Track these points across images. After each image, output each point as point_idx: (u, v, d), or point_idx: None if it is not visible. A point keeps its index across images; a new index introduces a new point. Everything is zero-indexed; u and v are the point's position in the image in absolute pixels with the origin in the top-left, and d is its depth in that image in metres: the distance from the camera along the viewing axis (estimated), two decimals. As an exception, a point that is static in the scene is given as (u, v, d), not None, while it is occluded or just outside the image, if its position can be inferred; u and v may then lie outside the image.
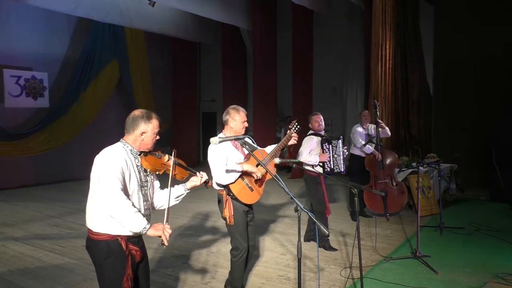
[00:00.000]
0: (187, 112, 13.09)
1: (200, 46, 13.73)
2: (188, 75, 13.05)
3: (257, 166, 3.43)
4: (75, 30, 10.46)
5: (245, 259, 3.52)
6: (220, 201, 3.49)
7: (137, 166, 2.43)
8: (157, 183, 2.65)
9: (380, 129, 6.15)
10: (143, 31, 11.27)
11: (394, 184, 6.36)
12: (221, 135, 3.47)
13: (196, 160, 13.34)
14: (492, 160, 7.38)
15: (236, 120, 3.41)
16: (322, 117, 4.99)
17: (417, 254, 4.52)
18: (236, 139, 3.01)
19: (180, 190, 2.65)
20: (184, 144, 12.91)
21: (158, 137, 2.49)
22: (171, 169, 2.50)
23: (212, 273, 4.29)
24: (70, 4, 8.48)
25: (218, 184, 3.40)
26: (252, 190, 3.45)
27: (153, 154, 2.51)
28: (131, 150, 2.43)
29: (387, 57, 8.04)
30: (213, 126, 14.07)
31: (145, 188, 2.48)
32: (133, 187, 2.40)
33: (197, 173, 2.65)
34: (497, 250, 4.89)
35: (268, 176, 3.52)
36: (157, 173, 2.52)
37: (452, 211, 6.90)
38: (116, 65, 11.34)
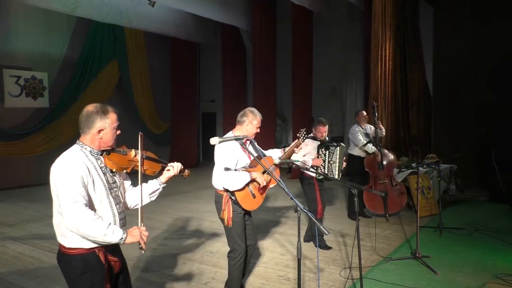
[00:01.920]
0: (186, 112, 13.10)
1: (200, 46, 13.74)
2: (188, 75, 13.05)
3: (263, 173, 3.41)
4: (75, 30, 10.46)
5: (243, 261, 3.49)
6: (218, 202, 3.44)
7: (100, 168, 2.17)
8: (127, 182, 2.44)
9: (378, 130, 6.19)
10: (143, 31, 11.29)
11: (394, 184, 6.36)
12: (230, 134, 3.46)
13: (195, 160, 13.34)
14: (492, 161, 7.39)
15: (253, 124, 3.42)
16: (327, 128, 5.01)
17: (417, 255, 4.52)
18: (236, 139, 2.99)
19: (154, 185, 2.42)
20: (184, 145, 12.94)
21: (119, 132, 2.24)
22: (139, 165, 2.26)
23: (212, 274, 4.29)
24: (70, 4, 8.49)
25: (223, 188, 3.36)
26: (254, 197, 3.42)
27: (117, 151, 2.25)
28: (90, 152, 2.16)
29: (387, 58, 8.05)
30: (213, 126, 14.07)
31: (115, 190, 2.24)
32: (100, 192, 2.15)
33: (168, 164, 2.43)
34: (496, 250, 4.89)
35: (272, 183, 3.52)
36: (125, 171, 2.28)
37: (452, 211, 6.90)
38: (115, 65, 11.36)
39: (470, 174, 8.34)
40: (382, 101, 7.94)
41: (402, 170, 6.96)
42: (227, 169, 3.27)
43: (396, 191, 6.33)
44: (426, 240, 5.24)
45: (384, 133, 6.42)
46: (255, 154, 2.90)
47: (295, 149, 3.77)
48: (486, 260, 4.57)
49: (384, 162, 6.28)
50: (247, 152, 3.41)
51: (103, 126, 2.16)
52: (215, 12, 10.18)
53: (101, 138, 2.18)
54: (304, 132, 3.83)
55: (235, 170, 3.32)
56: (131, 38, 11.62)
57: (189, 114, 13.24)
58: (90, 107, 2.18)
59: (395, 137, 8.34)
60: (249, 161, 3.43)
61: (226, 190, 3.34)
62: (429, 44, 9.42)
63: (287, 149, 3.78)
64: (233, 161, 3.30)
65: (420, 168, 6.36)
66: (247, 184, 3.33)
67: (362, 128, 6.43)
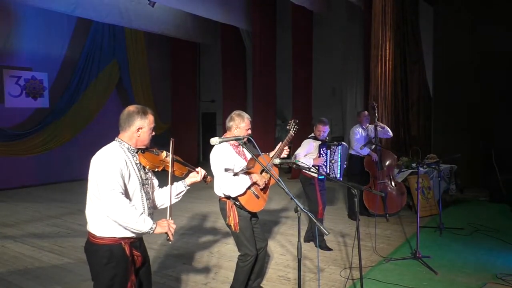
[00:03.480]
0: (186, 113, 13.09)
1: (200, 46, 13.72)
2: (188, 76, 13.04)
3: (261, 172, 3.38)
4: (75, 30, 10.45)
5: (252, 265, 3.47)
6: (223, 209, 3.42)
7: (136, 164, 2.36)
8: (155, 182, 2.59)
9: (379, 129, 6.18)
10: (143, 31, 11.28)
11: (393, 184, 6.36)
12: None
13: (195, 160, 13.33)
14: (492, 161, 7.39)
15: (240, 127, 3.35)
16: (328, 128, 4.98)
17: (417, 255, 4.52)
18: (236, 140, 2.99)
19: (180, 187, 2.59)
20: (184, 145, 12.90)
21: (154, 133, 2.44)
22: (170, 165, 2.44)
23: (213, 274, 4.29)
24: (70, 4, 8.48)
25: (225, 194, 3.34)
26: (258, 197, 3.41)
27: (151, 151, 2.45)
28: (128, 148, 2.35)
29: (387, 58, 8.05)
30: (213, 126, 14.07)
31: (146, 186, 2.43)
32: (134, 186, 2.33)
33: (196, 169, 2.62)
34: (496, 250, 4.90)
35: (272, 182, 3.47)
36: (156, 170, 2.46)
37: (452, 211, 6.91)
38: (115, 66, 11.36)
39: (470, 174, 8.34)
40: (382, 101, 7.94)
41: (402, 170, 6.97)
42: (227, 169, 3.26)
43: (396, 191, 6.34)
44: (426, 240, 5.24)
45: (390, 133, 6.31)
46: (254, 154, 2.87)
47: (285, 149, 3.51)
48: (486, 260, 4.57)
49: (385, 163, 6.28)
50: (242, 154, 3.40)
51: (142, 125, 2.36)
52: (215, 12, 10.17)
53: (139, 136, 2.37)
54: (294, 123, 3.69)
55: (234, 174, 3.30)
56: (131, 38, 11.62)
57: (189, 114, 13.23)
58: (131, 108, 2.39)
59: (395, 137, 8.34)
60: (246, 163, 3.40)
61: (229, 197, 3.33)
62: (429, 44, 9.41)
63: (271, 153, 3.56)
64: (230, 163, 3.28)
65: (420, 168, 6.34)
66: (248, 187, 3.31)
67: (363, 128, 6.42)
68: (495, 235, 5.46)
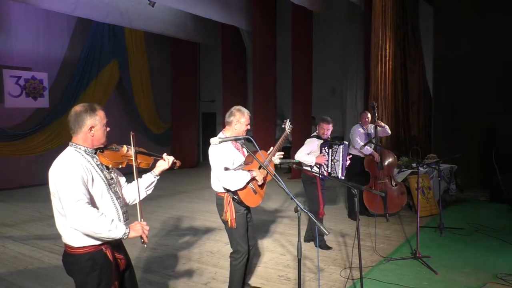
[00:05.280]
0: (186, 113, 13.09)
1: (200, 46, 13.73)
2: (188, 75, 13.04)
3: (259, 168, 3.39)
4: (75, 30, 10.46)
5: (245, 262, 3.48)
6: (219, 204, 3.43)
7: (97, 165, 2.23)
8: (122, 179, 2.49)
9: (379, 128, 6.19)
10: (143, 31, 11.28)
11: (394, 184, 6.36)
12: (221, 135, 3.42)
13: (195, 160, 13.34)
14: (492, 161, 7.39)
15: (241, 122, 3.37)
16: (331, 126, 4.97)
17: (417, 255, 4.52)
18: (236, 139, 2.98)
19: (149, 179, 2.51)
20: (184, 145, 12.93)
21: (108, 129, 2.30)
22: (133, 159, 2.34)
23: (212, 274, 4.29)
24: (70, 4, 8.47)
25: (224, 189, 3.34)
26: (256, 193, 3.42)
27: (110, 148, 2.32)
28: (85, 151, 2.21)
29: (387, 58, 8.05)
30: (213, 126, 14.08)
31: (114, 185, 2.31)
32: (100, 189, 2.20)
33: (162, 156, 2.52)
34: (496, 250, 4.90)
35: (269, 178, 3.48)
36: (120, 166, 2.33)
37: (452, 211, 6.91)
38: (116, 66, 11.35)
39: (470, 174, 8.34)
40: (382, 101, 7.94)
41: (402, 170, 6.97)
42: (226, 168, 3.27)
43: (396, 191, 6.34)
44: (426, 240, 5.25)
45: (388, 131, 6.35)
46: (252, 151, 2.88)
47: (276, 154, 3.44)
48: (486, 260, 4.57)
49: (385, 163, 6.28)
50: (241, 149, 3.41)
51: (94, 123, 2.21)
52: (215, 12, 10.18)
53: (93, 136, 2.22)
54: (289, 122, 3.71)
55: (233, 169, 3.31)
56: (131, 38, 11.62)
57: (189, 114, 13.23)
58: (77, 107, 2.23)
59: (395, 137, 8.35)
60: (244, 158, 3.41)
61: (228, 191, 3.33)
62: (429, 44, 9.41)
63: (270, 151, 3.54)
64: (229, 160, 3.30)
65: (420, 168, 6.35)
66: (248, 182, 3.32)
67: (363, 128, 6.42)
68: (495, 235, 5.46)
